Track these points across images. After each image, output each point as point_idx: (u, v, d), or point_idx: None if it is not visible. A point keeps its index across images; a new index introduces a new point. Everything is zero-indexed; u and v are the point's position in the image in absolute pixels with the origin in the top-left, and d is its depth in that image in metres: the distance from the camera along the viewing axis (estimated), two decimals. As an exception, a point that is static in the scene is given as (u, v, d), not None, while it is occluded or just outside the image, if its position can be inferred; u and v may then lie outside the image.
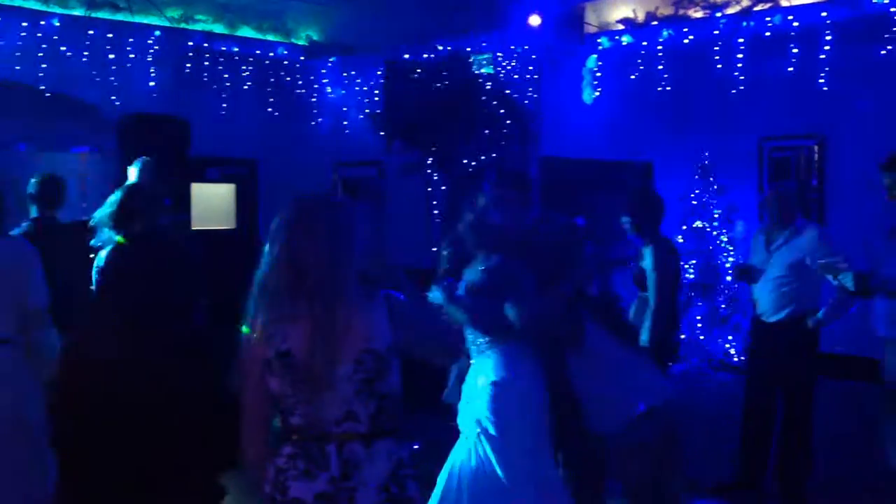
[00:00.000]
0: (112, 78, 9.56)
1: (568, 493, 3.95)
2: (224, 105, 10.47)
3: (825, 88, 8.25)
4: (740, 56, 8.62)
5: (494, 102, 8.13)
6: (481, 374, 3.93)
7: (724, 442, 6.36)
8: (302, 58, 10.90)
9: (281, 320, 2.47)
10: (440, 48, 9.35)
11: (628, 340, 4.05)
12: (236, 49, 10.34)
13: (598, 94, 9.72)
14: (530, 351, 3.89)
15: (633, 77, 9.19)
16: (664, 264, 5.34)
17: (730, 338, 9.49)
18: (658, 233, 5.49)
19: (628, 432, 3.87)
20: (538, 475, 3.82)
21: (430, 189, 8.50)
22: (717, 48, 8.65)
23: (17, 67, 8.96)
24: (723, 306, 9.52)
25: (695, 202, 9.73)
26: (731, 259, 9.37)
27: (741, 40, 8.51)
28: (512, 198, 4.24)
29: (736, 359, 9.29)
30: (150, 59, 9.78)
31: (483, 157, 7.96)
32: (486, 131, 7.93)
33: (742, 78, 8.70)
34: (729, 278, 9.17)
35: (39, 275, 3.49)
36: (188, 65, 10.08)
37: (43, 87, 9.19)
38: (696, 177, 9.76)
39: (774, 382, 5.52)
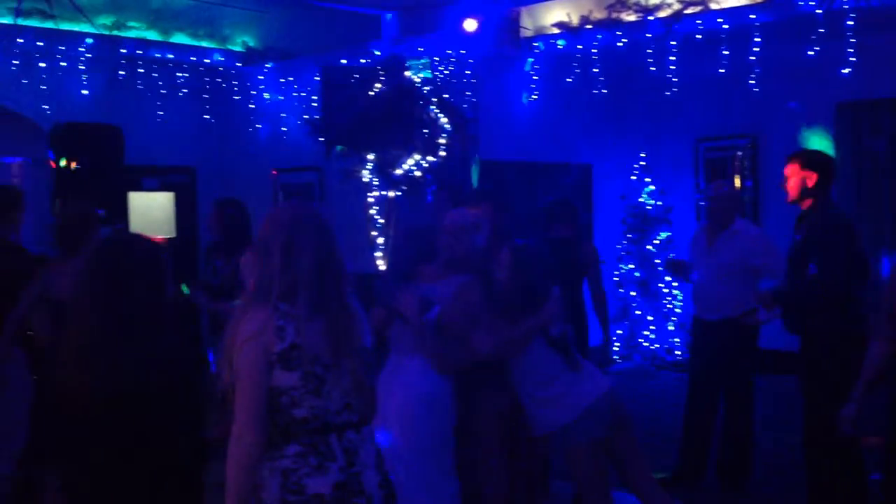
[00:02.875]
0: (43, 87, 9.35)
1: None
2: (160, 112, 10.32)
3: (756, 89, 8.43)
4: (673, 58, 8.77)
5: (432, 107, 8.14)
6: (399, 373, 3.97)
7: (668, 439, 6.48)
8: (238, 64, 10.80)
9: (290, 316, 2.56)
10: (377, 53, 9.34)
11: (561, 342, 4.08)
12: (171, 56, 10.19)
13: (535, 97, 9.80)
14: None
15: (569, 80, 9.29)
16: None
17: (676, 340, 9.64)
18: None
19: (573, 431, 3.92)
20: (432, 484, 3.86)
21: (370, 194, 8.47)
22: (650, 51, 8.78)
23: (-56, 77, 8.75)
24: (668, 305, 9.67)
25: (632, 203, 9.89)
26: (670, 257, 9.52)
27: (673, 43, 8.66)
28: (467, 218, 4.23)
29: (679, 355, 9.45)
30: (82, 66, 9.59)
31: (423, 162, 7.97)
32: (425, 134, 7.94)
33: (675, 80, 8.85)
34: (668, 278, 9.32)
35: None
36: (122, 72, 9.92)
37: (-28, 97, 8.99)
38: (634, 178, 9.91)
39: (715, 379, 5.63)
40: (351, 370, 2.63)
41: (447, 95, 8.56)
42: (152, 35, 9.99)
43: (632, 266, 9.79)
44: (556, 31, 9.34)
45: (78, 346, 2.76)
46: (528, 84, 9.85)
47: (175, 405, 2.71)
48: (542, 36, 9.54)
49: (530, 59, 9.90)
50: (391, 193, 8.24)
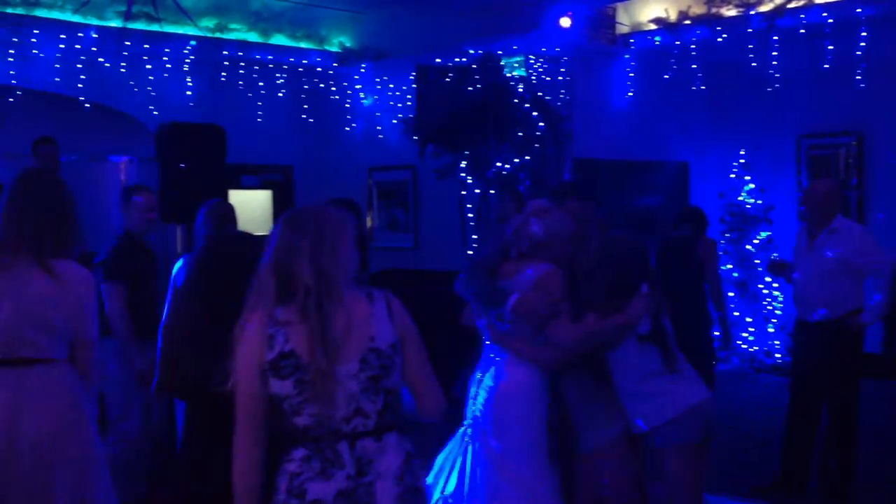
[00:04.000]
0: (149, 88, 9.69)
1: None
2: (259, 112, 10.57)
3: (862, 85, 8.15)
4: (775, 54, 8.54)
5: (526, 105, 8.12)
6: (487, 371, 3.96)
7: (766, 443, 6.33)
8: (335, 64, 10.98)
9: (281, 322, 2.51)
10: (471, 52, 9.37)
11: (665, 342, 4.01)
12: (270, 57, 10.44)
13: (631, 94, 9.68)
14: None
15: (666, 77, 9.14)
16: None
17: (776, 343, 9.40)
18: None
19: (665, 431, 3.87)
20: (527, 485, 3.81)
21: (463, 192, 8.50)
22: (751, 46, 8.58)
23: (57, 79, 9.12)
24: (768, 306, 9.44)
25: (731, 201, 9.66)
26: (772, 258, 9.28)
27: (775, 38, 8.44)
28: (556, 210, 4.21)
29: (779, 358, 9.21)
30: (186, 68, 9.90)
31: (516, 160, 7.96)
32: (519, 134, 7.92)
33: (777, 76, 8.63)
34: (769, 279, 9.09)
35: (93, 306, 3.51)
36: (223, 73, 10.20)
37: (82, 98, 9.35)
38: (733, 176, 9.69)
39: (818, 383, 5.46)
40: (356, 375, 2.52)
41: (541, 93, 8.53)
42: (253, 37, 10.24)
43: (730, 266, 9.57)
44: (653, 27, 9.21)
45: (185, 331, 2.86)
46: (623, 81, 9.73)
47: None
48: (638, 32, 9.42)
49: (626, 56, 9.78)
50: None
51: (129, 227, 5.45)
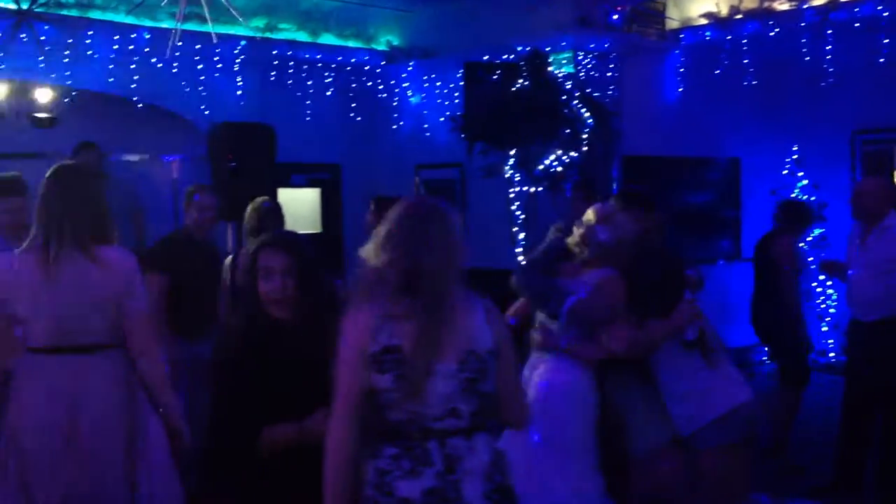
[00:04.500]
0: (200, 88, 9.82)
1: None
2: (308, 111, 10.65)
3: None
4: (829, 48, 8.39)
5: (574, 101, 8.07)
6: (536, 368, 3.95)
7: (820, 443, 6.23)
8: (383, 63, 11.02)
9: (388, 317, 2.51)
10: (519, 49, 9.33)
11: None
12: (319, 56, 10.51)
13: (680, 90, 9.58)
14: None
15: (717, 72, 9.03)
16: None
17: (830, 342, 9.24)
18: None
19: (707, 431, 3.83)
20: (573, 483, 3.80)
21: (511, 190, 8.48)
22: (804, 40, 8.43)
23: (111, 80, 9.28)
24: (822, 305, 9.28)
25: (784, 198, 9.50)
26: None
27: (829, 31, 8.28)
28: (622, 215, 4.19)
29: (833, 357, 9.05)
30: (236, 68, 10.02)
31: (565, 158, 7.91)
32: (567, 131, 7.88)
33: (831, 70, 8.47)
34: (822, 277, 8.94)
35: (141, 284, 3.65)
36: (272, 73, 10.30)
37: (136, 99, 9.51)
38: (786, 172, 9.53)
39: (873, 383, 5.36)
40: (454, 375, 2.52)
41: (589, 90, 8.47)
42: (302, 36, 10.32)
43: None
44: (703, 21, 9.11)
45: None
46: (673, 77, 9.63)
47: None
48: (688, 27, 9.31)
49: (676, 52, 9.68)
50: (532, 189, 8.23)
51: (187, 223, 5.59)
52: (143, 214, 7.31)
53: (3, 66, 8.38)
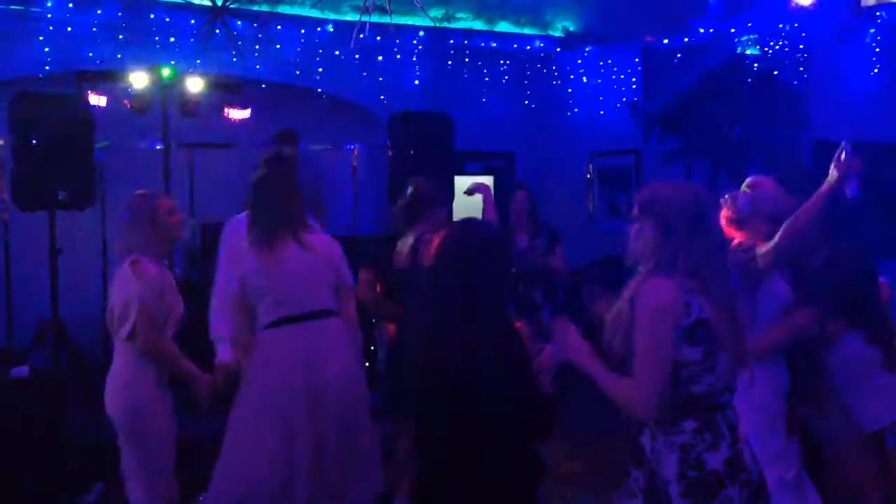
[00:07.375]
0: (380, 78, 10.08)
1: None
2: (483, 100, 10.73)
3: None
4: None
5: (760, 85, 7.74)
6: None
7: None
8: (558, 49, 10.95)
9: (696, 291, 2.62)
10: (700, 31, 9.03)
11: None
12: (494, 44, 10.56)
13: (877, 71, 9.00)
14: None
15: (918, 51, 8.43)
16: None
17: None
18: None
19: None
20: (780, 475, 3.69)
21: (691, 176, 8.24)
22: None
23: (297, 72, 9.68)
24: None
25: None
26: None
27: None
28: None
29: None
30: (414, 58, 10.22)
31: (750, 143, 7.61)
32: (753, 115, 7.57)
33: None
34: None
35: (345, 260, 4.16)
36: (449, 62, 10.43)
37: (320, 90, 9.88)
38: None
39: None
40: (736, 349, 2.67)
41: (776, 72, 8.10)
42: (478, 25, 10.41)
43: None
44: (904, -3, 8.51)
45: (421, 321, 2.94)
46: (869, 57, 9.07)
47: (505, 399, 2.71)
48: (886, 4, 8.73)
49: (871, 31, 9.11)
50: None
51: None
52: (325, 202, 7.58)
53: (199, 61, 8.88)
